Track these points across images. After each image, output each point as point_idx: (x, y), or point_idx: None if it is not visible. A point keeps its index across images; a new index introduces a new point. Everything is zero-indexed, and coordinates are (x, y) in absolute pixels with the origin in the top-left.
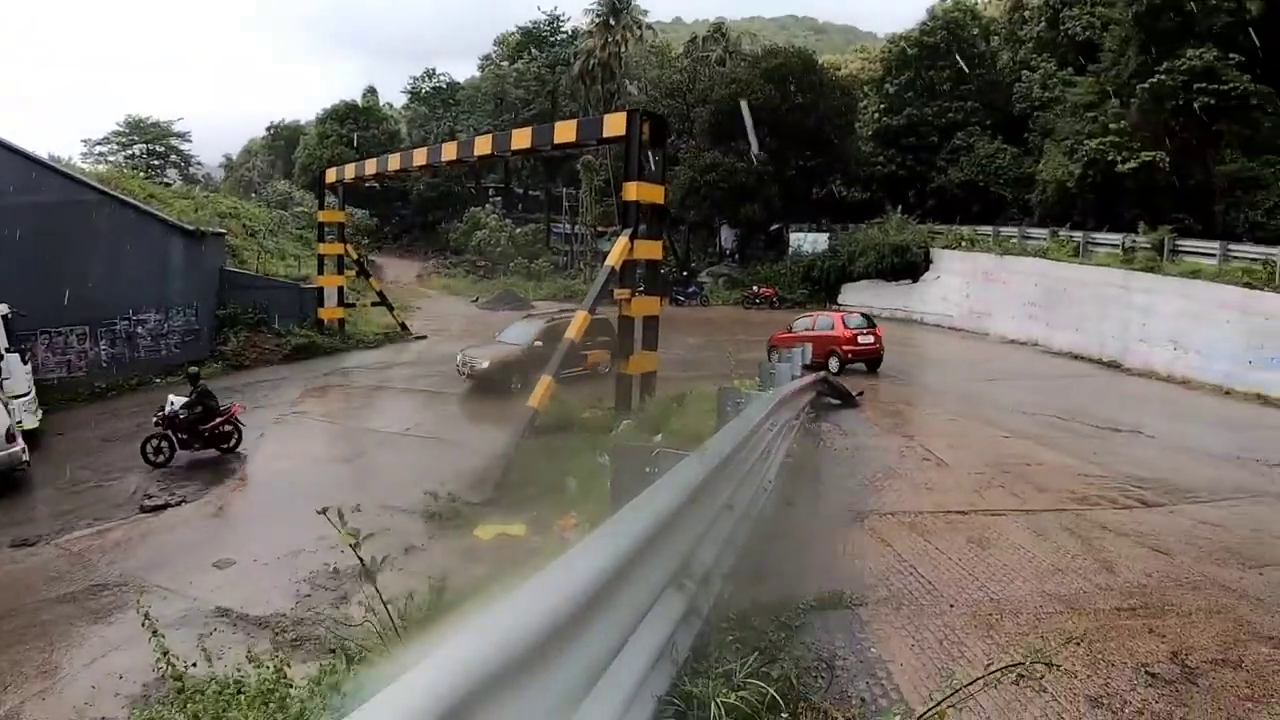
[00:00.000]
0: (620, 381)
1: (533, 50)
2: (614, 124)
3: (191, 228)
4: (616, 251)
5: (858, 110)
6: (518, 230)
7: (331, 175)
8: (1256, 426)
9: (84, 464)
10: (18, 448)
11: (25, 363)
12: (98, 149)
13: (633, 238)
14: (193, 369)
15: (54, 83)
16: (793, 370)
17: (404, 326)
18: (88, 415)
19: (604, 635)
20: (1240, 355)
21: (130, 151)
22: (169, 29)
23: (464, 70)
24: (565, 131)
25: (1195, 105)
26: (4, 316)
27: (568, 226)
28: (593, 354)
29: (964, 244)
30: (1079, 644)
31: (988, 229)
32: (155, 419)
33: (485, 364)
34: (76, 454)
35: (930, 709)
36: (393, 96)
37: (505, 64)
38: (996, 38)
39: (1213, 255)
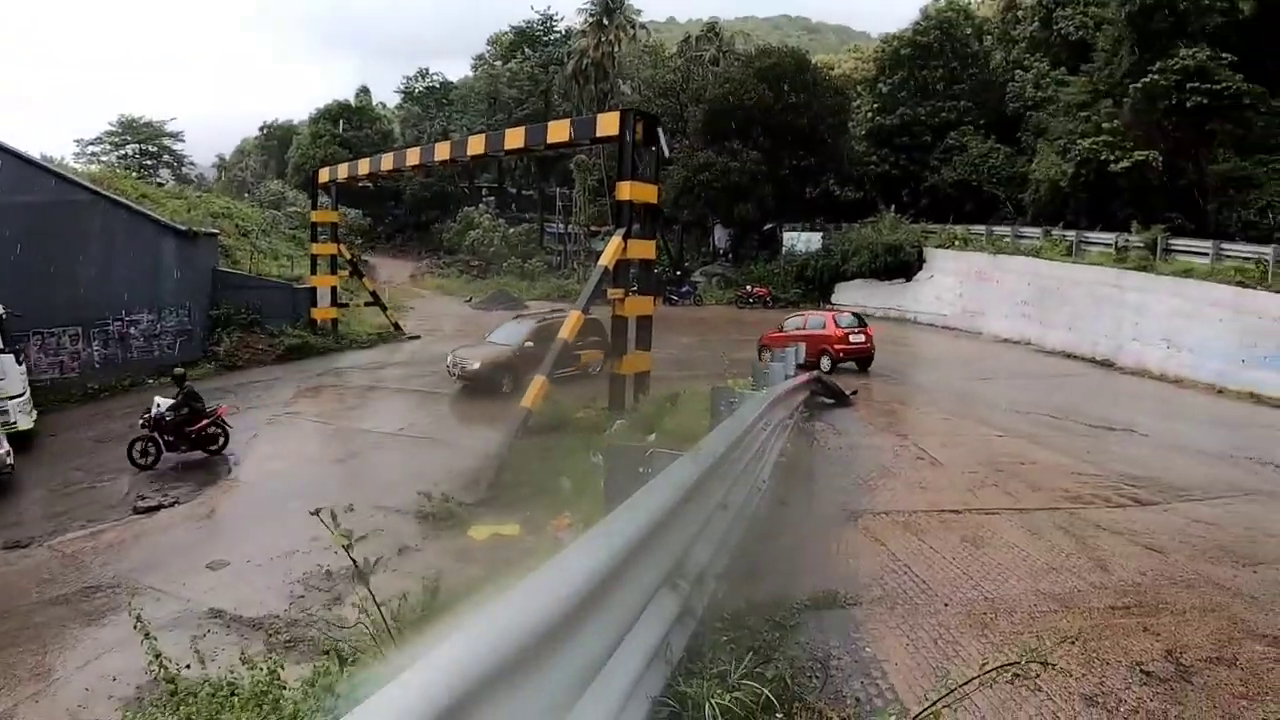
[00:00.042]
0: (614, 381)
1: (526, 50)
2: (607, 123)
3: (184, 228)
4: (610, 251)
5: (851, 110)
6: (511, 230)
7: (324, 175)
8: (1249, 425)
9: (77, 465)
10: (1, 450)
11: (20, 363)
12: (90, 149)
13: (626, 237)
14: (178, 370)
15: (49, 83)
16: (786, 369)
17: (397, 326)
18: (80, 416)
19: (598, 636)
20: (1233, 354)
21: (123, 151)
22: (163, 29)
23: (457, 70)
24: (558, 131)
25: (1188, 105)
26: None
27: (561, 226)
28: (586, 354)
29: (957, 243)
30: (1074, 643)
31: (981, 228)
32: (141, 421)
33: (476, 365)
34: (69, 455)
35: (925, 709)
36: (386, 96)
37: (499, 63)
38: (990, 37)
39: (1205, 254)
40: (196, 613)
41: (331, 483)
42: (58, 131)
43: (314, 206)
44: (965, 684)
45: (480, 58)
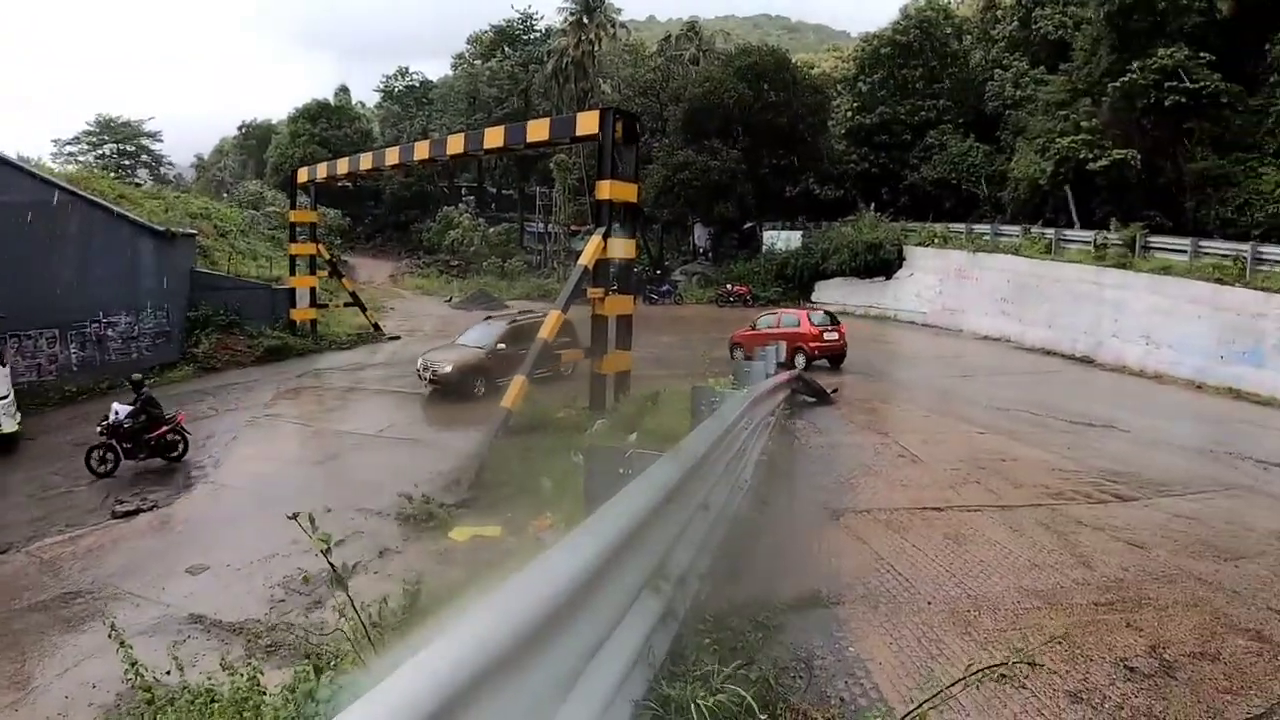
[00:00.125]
0: (594, 381)
1: (506, 49)
2: (587, 122)
3: (162, 229)
4: (590, 250)
5: (831, 109)
6: (491, 230)
7: (303, 175)
8: (1229, 420)
9: (55, 469)
10: None
11: (3, 365)
12: (68, 149)
13: (606, 236)
14: (136, 376)
15: (26, 84)
16: (767, 368)
17: (377, 327)
18: (58, 420)
19: (580, 639)
20: (1212, 350)
21: (100, 151)
22: (142, 29)
23: (437, 69)
24: (538, 130)
25: (1166, 104)
26: None
27: (541, 225)
28: (566, 354)
29: (937, 241)
30: (1060, 642)
31: (960, 226)
32: (99, 428)
33: (447, 368)
34: (48, 459)
35: (911, 710)
36: (365, 95)
37: (478, 62)
38: (969, 37)
39: (1183, 251)
40: (176, 618)
41: (312, 485)
42: (35, 132)
43: (293, 206)
44: (951, 686)
45: (460, 57)
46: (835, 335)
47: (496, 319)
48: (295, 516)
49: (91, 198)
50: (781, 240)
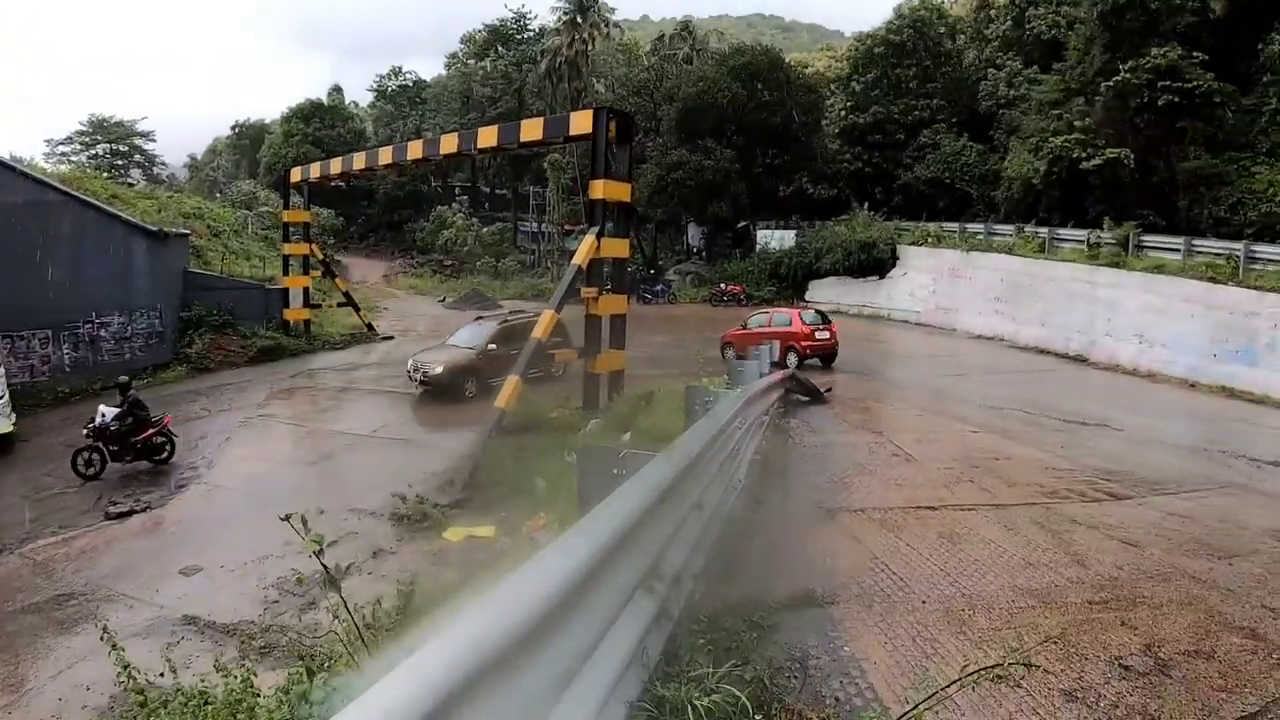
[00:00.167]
0: (588, 380)
1: (499, 48)
2: (580, 122)
3: (155, 229)
4: (583, 250)
5: (824, 108)
6: (485, 229)
7: (296, 174)
8: (1222, 418)
9: (48, 470)
10: None
11: None
12: (60, 149)
13: (599, 236)
14: (123, 378)
15: (16, 83)
16: (760, 367)
17: (370, 327)
18: (51, 420)
19: (574, 640)
20: (1205, 349)
21: (93, 151)
22: (135, 29)
23: (430, 68)
24: (532, 130)
25: (1159, 103)
26: None
27: (535, 225)
28: (560, 354)
29: (930, 240)
30: (1056, 643)
31: (954, 226)
32: (85, 431)
33: (438, 370)
34: (41, 460)
35: (907, 711)
36: (359, 95)
37: (472, 62)
38: (963, 36)
39: (1177, 250)
40: (170, 620)
41: (305, 486)
42: (34, 132)
43: (286, 206)
44: (946, 687)
45: (454, 56)
46: (826, 334)
47: (487, 319)
48: (289, 517)
49: (84, 198)
50: (775, 239)
